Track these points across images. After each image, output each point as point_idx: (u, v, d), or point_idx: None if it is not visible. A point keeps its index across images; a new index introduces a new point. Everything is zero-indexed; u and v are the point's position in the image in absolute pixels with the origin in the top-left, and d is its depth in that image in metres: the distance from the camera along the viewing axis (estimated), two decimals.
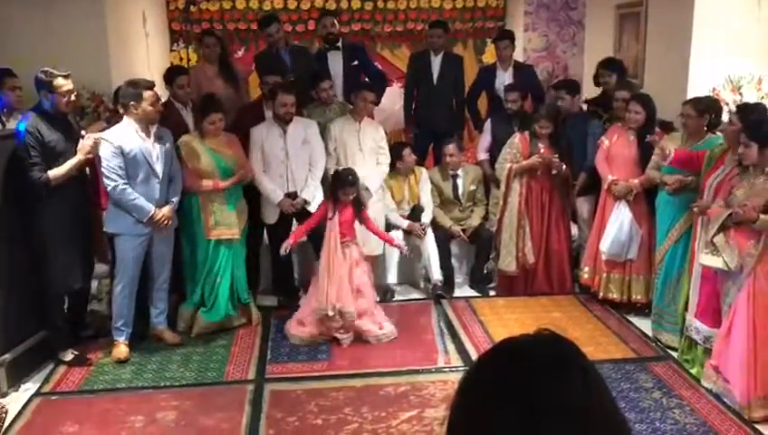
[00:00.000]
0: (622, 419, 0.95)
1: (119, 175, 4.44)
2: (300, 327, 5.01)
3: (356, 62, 6.43)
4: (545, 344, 0.97)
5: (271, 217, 5.49)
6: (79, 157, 4.46)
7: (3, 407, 3.84)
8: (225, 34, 7.76)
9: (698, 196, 4.44)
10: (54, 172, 4.36)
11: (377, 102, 6.15)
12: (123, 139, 4.48)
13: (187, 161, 4.93)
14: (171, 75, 5.57)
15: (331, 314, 4.85)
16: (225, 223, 5.04)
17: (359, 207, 5.08)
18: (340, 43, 6.42)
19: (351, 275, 4.98)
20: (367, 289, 5.09)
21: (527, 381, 0.91)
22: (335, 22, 6.45)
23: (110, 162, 4.42)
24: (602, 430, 0.90)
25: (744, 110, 4.25)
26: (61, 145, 4.43)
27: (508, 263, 5.74)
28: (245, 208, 5.24)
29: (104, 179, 4.48)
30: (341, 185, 4.96)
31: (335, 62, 6.36)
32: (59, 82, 4.35)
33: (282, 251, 5.01)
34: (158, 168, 4.60)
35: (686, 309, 4.54)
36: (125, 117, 4.53)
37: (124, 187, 4.46)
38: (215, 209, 5.00)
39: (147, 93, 4.50)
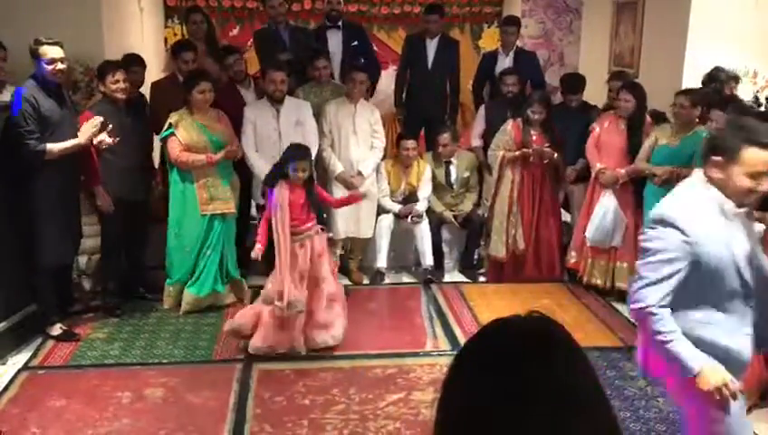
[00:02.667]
0: (607, 401, 0.97)
1: None
2: (259, 336, 4.42)
3: (356, 43, 6.39)
4: (534, 325, 0.99)
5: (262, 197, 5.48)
6: (79, 140, 4.45)
7: None
8: (220, 12, 7.72)
9: None
10: (51, 146, 4.34)
11: (372, 85, 6.12)
12: None
13: (180, 138, 4.91)
14: (177, 49, 5.55)
15: (278, 304, 4.32)
16: (221, 198, 5.02)
17: (312, 188, 4.48)
18: (340, 23, 6.38)
19: (313, 265, 4.46)
20: (328, 283, 4.58)
21: (514, 360, 0.93)
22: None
23: None
24: (585, 411, 0.92)
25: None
26: (55, 115, 4.40)
27: (498, 249, 5.76)
28: (238, 184, 5.24)
29: None
30: (292, 159, 4.34)
31: (334, 41, 6.32)
32: (43, 49, 4.32)
33: (253, 256, 4.42)
34: None
35: None
36: None
37: None
38: (209, 185, 4.98)
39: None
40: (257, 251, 4.38)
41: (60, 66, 4.38)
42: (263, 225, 4.44)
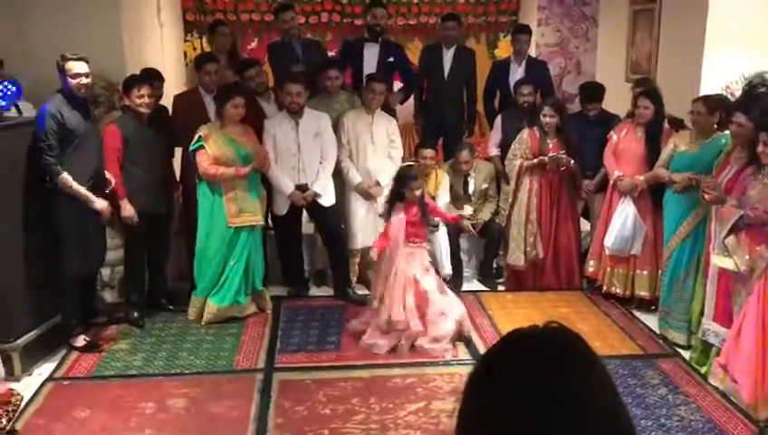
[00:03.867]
0: (626, 412, 0.97)
1: None
2: (376, 336, 4.76)
3: (391, 59, 6.39)
4: (553, 336, 0.99)
5: (281, 208, 5.53)
6: (97, 206, 4.55)
7: (18, 394, 3.91)
8: (238, 25, 7.80)
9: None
10: (65, 180, 4.39)
11: (404, 98, 6.19)
12: None
13: (209, 150, 4.96)
14: (200, 61, 5.63)
15: (375, 303, 4.81)
16: (249, 210, 5.08)
17: (425, 204, 4.85)
18: (380, 38, 6.37)
19: (418, 282, 4.75)
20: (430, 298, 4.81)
21: (532, 370, 0.93)
22: (385, 13, 6.44)
23: None
24: (605, 423, 0.92)
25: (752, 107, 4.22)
26: (80, 129, 4.47)
27: (516, 257, 5.75)
28: (266, 196, 5.30)
29: None
30: (405, 181, 4.71)
31: (371, 55, 6.33)
32: (69, 65, 4.40)
33: (371, 255, 4.91)
34: None
35: (701, 313, 4.49)
36: None
37: None
38: (238, 197, 5.03)
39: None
40: (375, 253, 4.80)
41: (84, 81, 4.46)
42: (382, 238, 4.83)
